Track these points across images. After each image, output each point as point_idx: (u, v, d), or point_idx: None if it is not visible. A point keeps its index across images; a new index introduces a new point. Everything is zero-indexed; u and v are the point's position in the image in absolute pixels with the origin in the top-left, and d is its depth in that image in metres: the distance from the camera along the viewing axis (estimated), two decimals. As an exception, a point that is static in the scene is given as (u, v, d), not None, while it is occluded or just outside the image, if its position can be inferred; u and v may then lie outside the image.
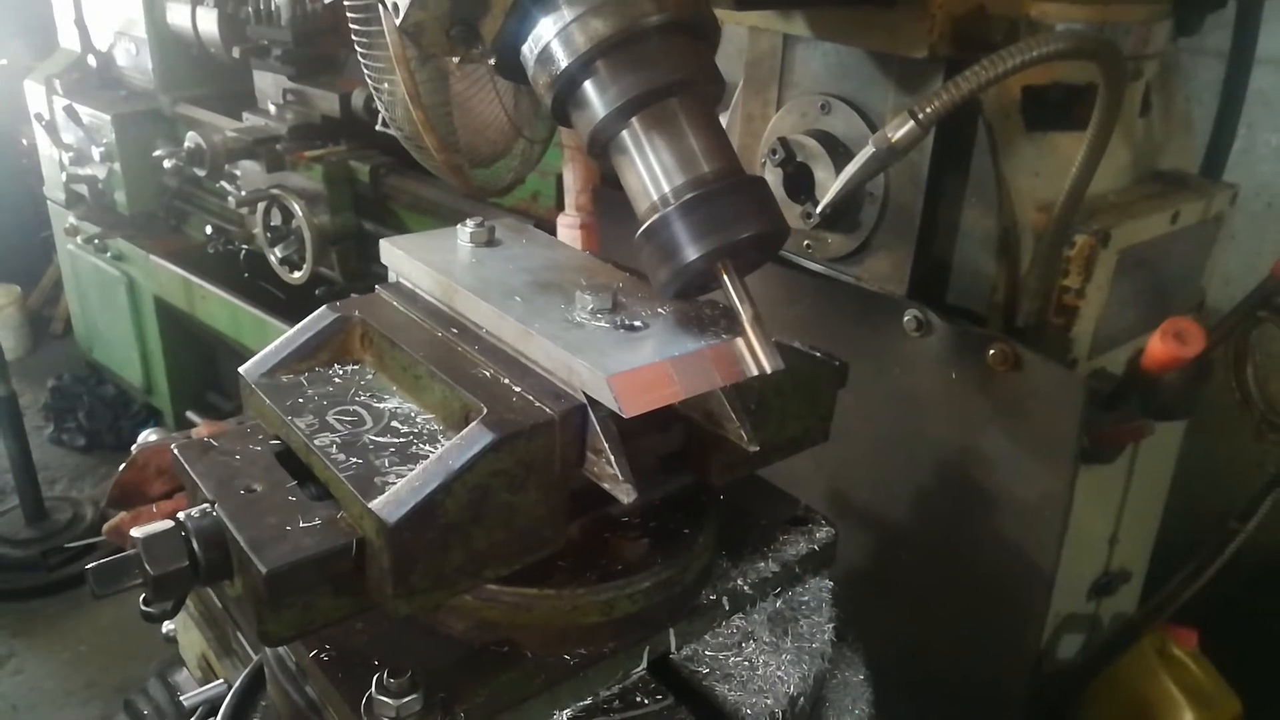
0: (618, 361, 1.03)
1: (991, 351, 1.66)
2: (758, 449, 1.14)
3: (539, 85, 1.16)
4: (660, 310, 1.16)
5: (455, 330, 1.21)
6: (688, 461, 1.24)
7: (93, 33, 4.89)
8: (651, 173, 1.12)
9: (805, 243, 1.93)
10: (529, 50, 1.15)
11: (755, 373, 1.07)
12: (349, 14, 1.79)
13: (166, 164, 4.19)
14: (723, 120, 2.10)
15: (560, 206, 2.74)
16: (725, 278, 1.08)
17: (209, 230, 4.41)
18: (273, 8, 3.92)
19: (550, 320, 1.13)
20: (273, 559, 0.94)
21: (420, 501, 0.95)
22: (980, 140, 1.72)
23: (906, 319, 1.76)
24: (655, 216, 1.10)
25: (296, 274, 3.92)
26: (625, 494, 1.04)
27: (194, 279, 4.31)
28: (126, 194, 4.75)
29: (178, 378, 4.89)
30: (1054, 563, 1.71)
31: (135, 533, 0.98)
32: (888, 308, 1.79)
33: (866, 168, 1.61)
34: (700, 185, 1.09)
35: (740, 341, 1.07)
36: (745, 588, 1.28)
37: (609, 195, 2.31)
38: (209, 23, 4.24)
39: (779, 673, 1.19)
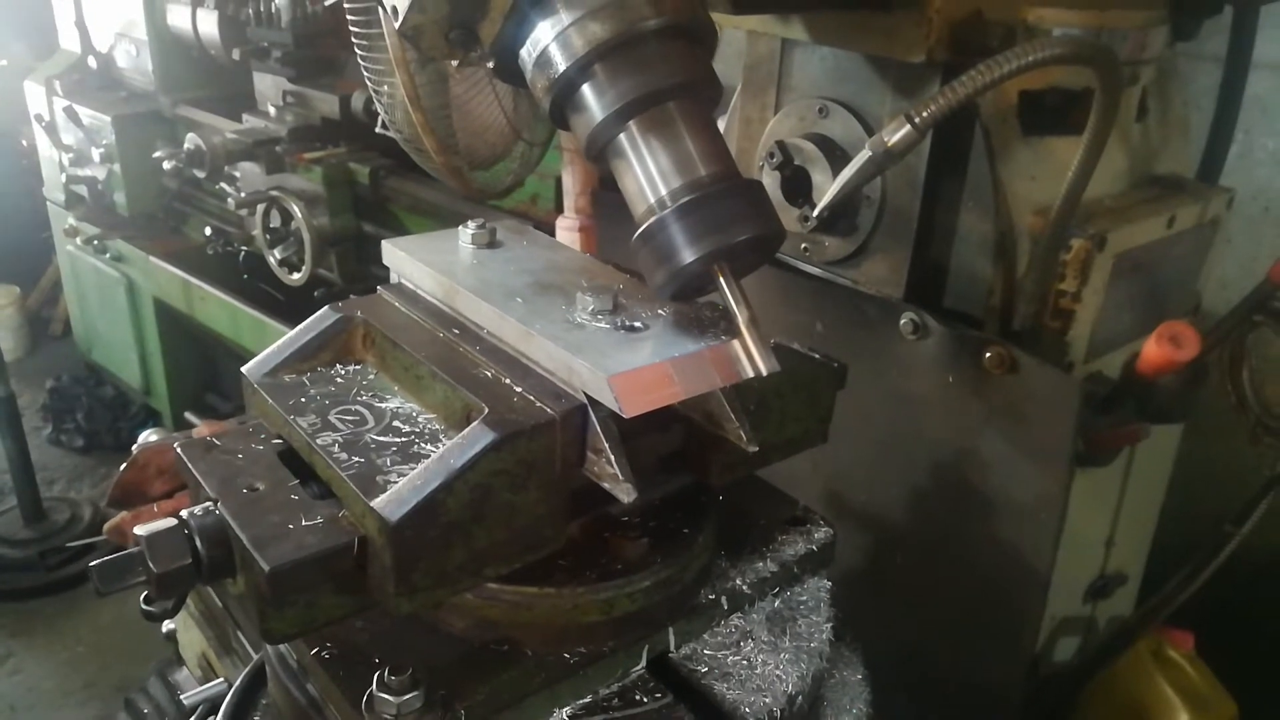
0: (618, 362, 1.04)
1: (988, 355, 1.67)
2: (757, 449, 1.14)
3: (537, 89, 1.17)
4: (660, 311, 1.17)
5: (457, 331, 1.21)
6: (687, 462, 1.24)
7: (93, 34, 4.90)
8: (649, 176, 1.12)
9: (803, 246, 1.94)
10: (527, 54, 1.16)
11: (751, 374, 1.08)
12: (349, 16, 1.80)
13: (166, 165, 4.19)
14: (721, 124, 2.11)
15: (559, 209, 2.75)
16: (721, 280, 1.08)
17: (208, 232, 4.41)
18: (273, 10, 3.93)
19: (551, 321, 1.14)
20: (275, 557, 0.94)
21: (422, 500, 0.95)
22: (977, 144, 1.72)
23: (903, 322, 1.76)
24: (652, 219, 1.11)
25: (296, 276, 3.93)
26: (625, 493, 1.05)
27: (193, 280, 4.32)
28: (126, 195, 4.76)
29: (176, 379, 4.89)
30: (1049, 565, 1.72)
31: (139, 530, 0.99)
32: (885, 311, 1.80)
33: (863, 172, 1.62)
34: (697, 188, 1.10)
35: (736, 344, 1.08)
36: (744, 587, 1.28)
37: (607, 198, 2.32)
38: (209, 24, 4.25)
39: (777, 672, 1.20)
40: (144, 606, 1.08)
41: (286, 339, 1.24)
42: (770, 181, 1.84)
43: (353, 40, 1.85)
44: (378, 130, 2.16)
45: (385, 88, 1.89)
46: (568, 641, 1.15)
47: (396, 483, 0.99)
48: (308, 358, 1.23)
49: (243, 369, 1.22)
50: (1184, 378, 1.65)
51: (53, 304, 6.39)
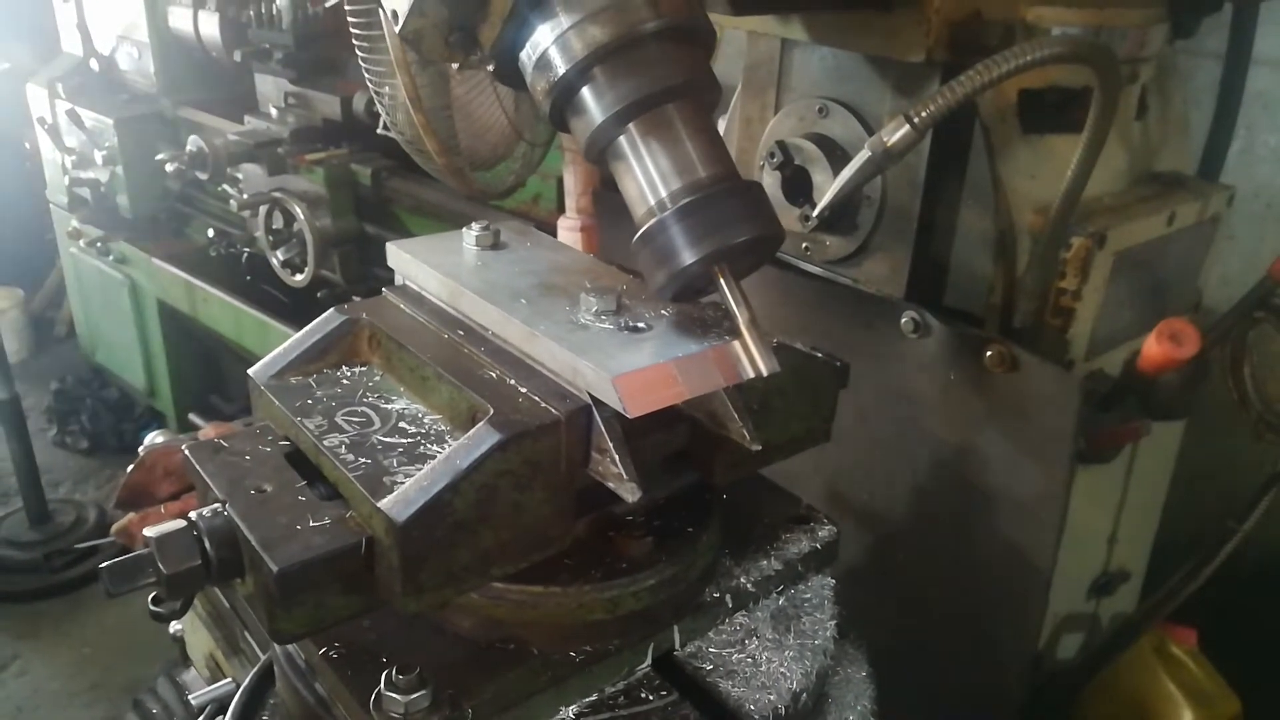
0: (622, 362, 1.05)
1: (989, 353, 1.67)
2: (760, 448, 1.15)
3: (537, 91, 1.17)
4: (664, 312, 1.18)
5: (462, 332, 1.22)
6: (691, 461, 1.25)
7: (95, 37, 4.90)
8: (648, 178, 1.13)
9: (803, 245, 1.94)
10: (527, 57, 1.16)
11: (752, 375, 1.08)
12: (350, 18, 1.81)
13: (169, 167, 4.19)
14: (721, 124, 2.12)
15: (561, 209, 2.76)
16: (721, 281, 1.09)
17: (211, 233, 4.42)
18: (274, 11, 3.93)
19: (555, 322, 1.15)
20: (284, 558, 0.95)
21: (429, 501, 0.96)
22: (977, 143, 1.73)
23: (904, 321, 1.77)
24: (652, 221, 1.11)
25: (298, 277, 3.94)
26: (630, 493, 1.05)
27: (196, 282, 4.32)
28: (129, 197, 4.76)
29: (180, 380, 4.90)
30: (1051, 563, 1.73)
31: (148, 532, 1.00)
32: (885, 310, 1.80)
33: (863, 171, 1.63)
34: (696, 190, 1.11)
35: (737, 344, 1.09)
36: (748, 585, 1.29)
37: (609, 198, 2.33)
38: (211, 26, 4.25)
39: (782, 669, 1.21)
40: (152, 607, 1.09)
41: (292, 341, 1.25)
42: (770, 181, 1.85)
43: (354, 42, 1.85)
44: (379, 131, 2.17)
45: (386, 89, 1.90)
46: (573, 640, 1.16)
47: (403, 483, 1.00)
48: (314, 360, 1.24)
49: (249, 371, 1.22)
50: (1185, 375, 1.66)
51: (56, 306, 6.40)
